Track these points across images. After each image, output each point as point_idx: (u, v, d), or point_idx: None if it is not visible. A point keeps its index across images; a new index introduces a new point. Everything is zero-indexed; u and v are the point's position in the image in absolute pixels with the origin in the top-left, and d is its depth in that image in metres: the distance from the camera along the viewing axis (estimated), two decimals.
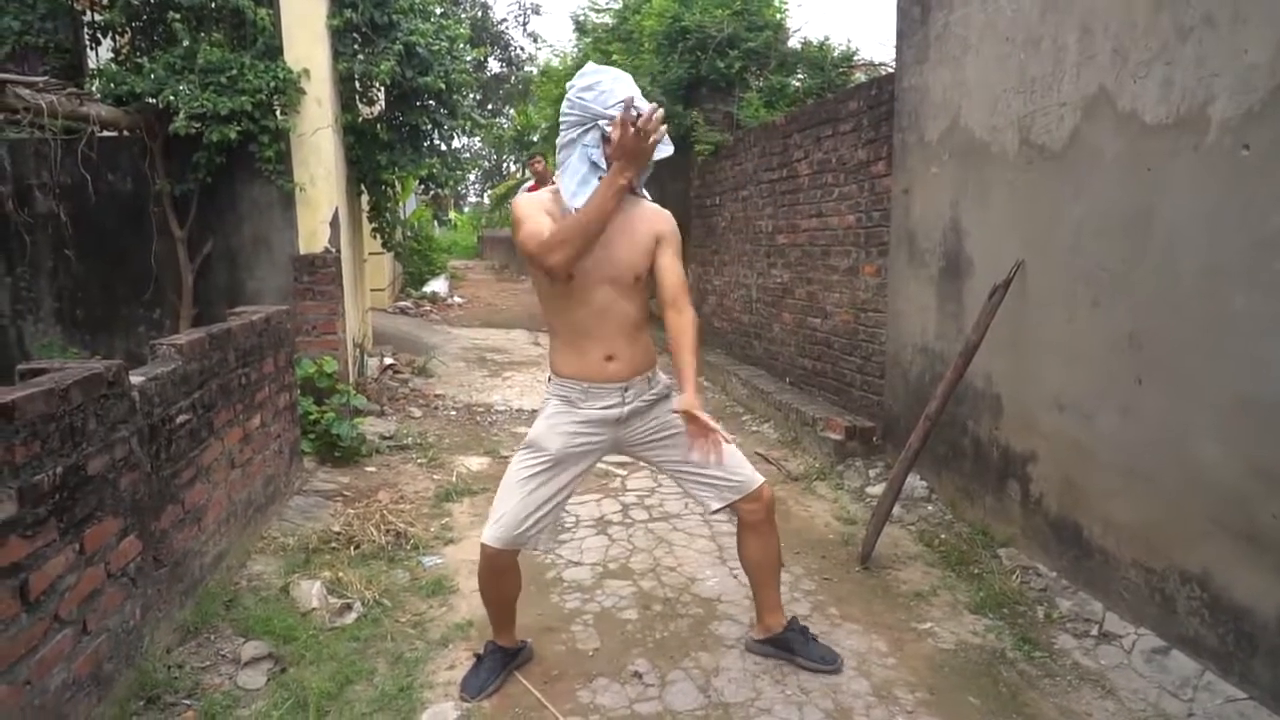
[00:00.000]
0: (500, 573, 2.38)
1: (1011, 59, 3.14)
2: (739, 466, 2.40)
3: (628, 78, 2.22)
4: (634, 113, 2.08)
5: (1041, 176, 2.99)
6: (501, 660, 2.49)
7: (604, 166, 2.18)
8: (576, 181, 2.19)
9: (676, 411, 2.25)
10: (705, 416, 2.14)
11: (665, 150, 2.20)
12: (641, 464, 4.51)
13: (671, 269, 2.32)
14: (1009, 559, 3.14)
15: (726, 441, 2.22)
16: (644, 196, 2.39)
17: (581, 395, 2.31)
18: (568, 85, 2.27)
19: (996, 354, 3.22)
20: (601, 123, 2.16)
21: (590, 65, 2.31)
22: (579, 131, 2.20)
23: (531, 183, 6.38)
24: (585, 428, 2.32)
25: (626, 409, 2.33)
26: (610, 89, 2.16)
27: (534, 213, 2.23)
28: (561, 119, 2.26)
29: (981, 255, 3.40)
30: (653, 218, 2.35)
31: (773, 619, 2.59)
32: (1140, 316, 2.55)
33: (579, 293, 2.25)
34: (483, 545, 2.33)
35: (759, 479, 2.42)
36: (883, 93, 4.34)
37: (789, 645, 2.57)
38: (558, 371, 2.36)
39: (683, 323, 2.29)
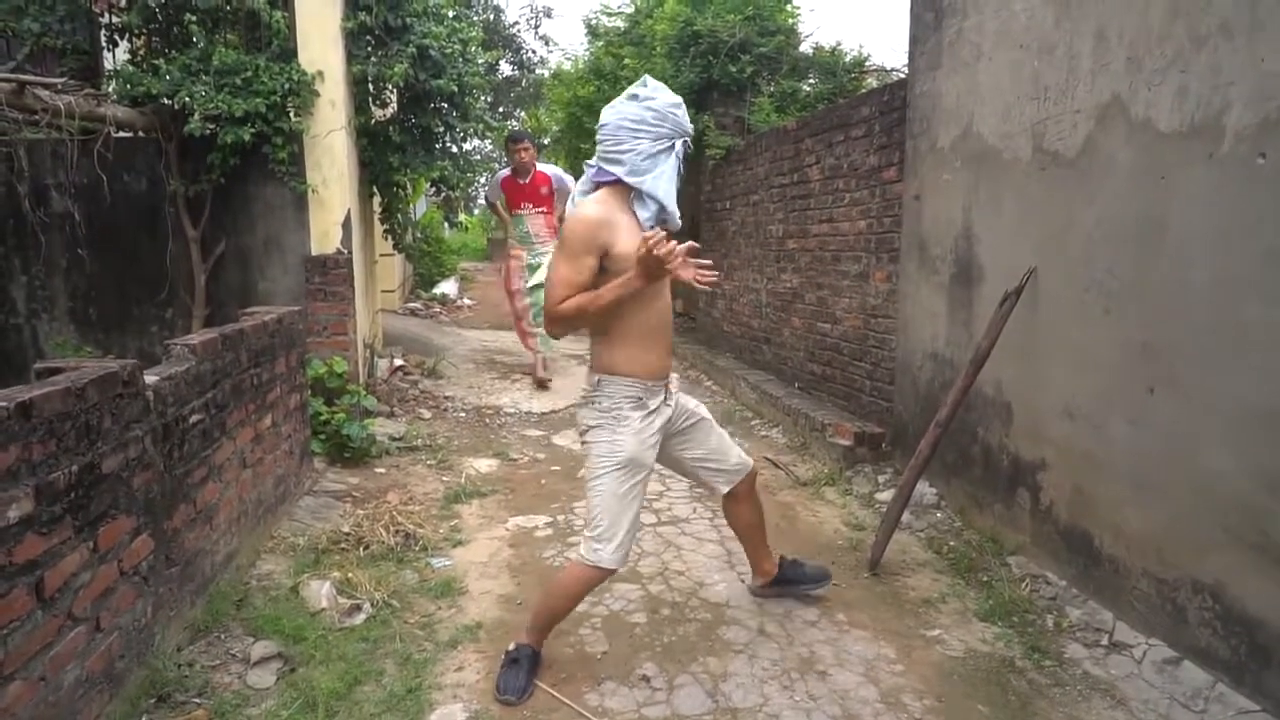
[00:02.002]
0: (584, 597, 2.52)
1: (1025, 66, 3.14)
2: (738, 453, 2.76)
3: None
4: (657, 232, 2.18)
5: (1054, 184, 2.98)
6: (535, 662, 2.52)
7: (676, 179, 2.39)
8: (674, 193, 2.36)
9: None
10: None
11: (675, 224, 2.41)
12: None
13: None
14: (1018, 567, 3.13)
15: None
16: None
17: (647, 393, 2.41)
18: (647, 94, 2.35)
19: (1007, 361, 3.21)
20: (678, 140, 2.36)
21: (652, 79, 2.43)
22: (669, 143, 2.35)
23: (507, 172, 6.35)
24: (657, 434, 2.45)
25: (671, 400, 2.52)
26: (685, 113, 2.40)
27: (578, 254, 2.26)
28: (644, 127, 2.31)
29: (993, 262, 3.39)
30: None
31: (769, 565, 2.99)
32: (1152, 325, 2.54)
33: (651, 296, 2.35)
34: (597, 568, 2.38)
35: (749, 462, 2.79)
36: (895, 98, 4.33)
37: (788, 579, 2.99)
38: (627, 372, 2.37)
39: None
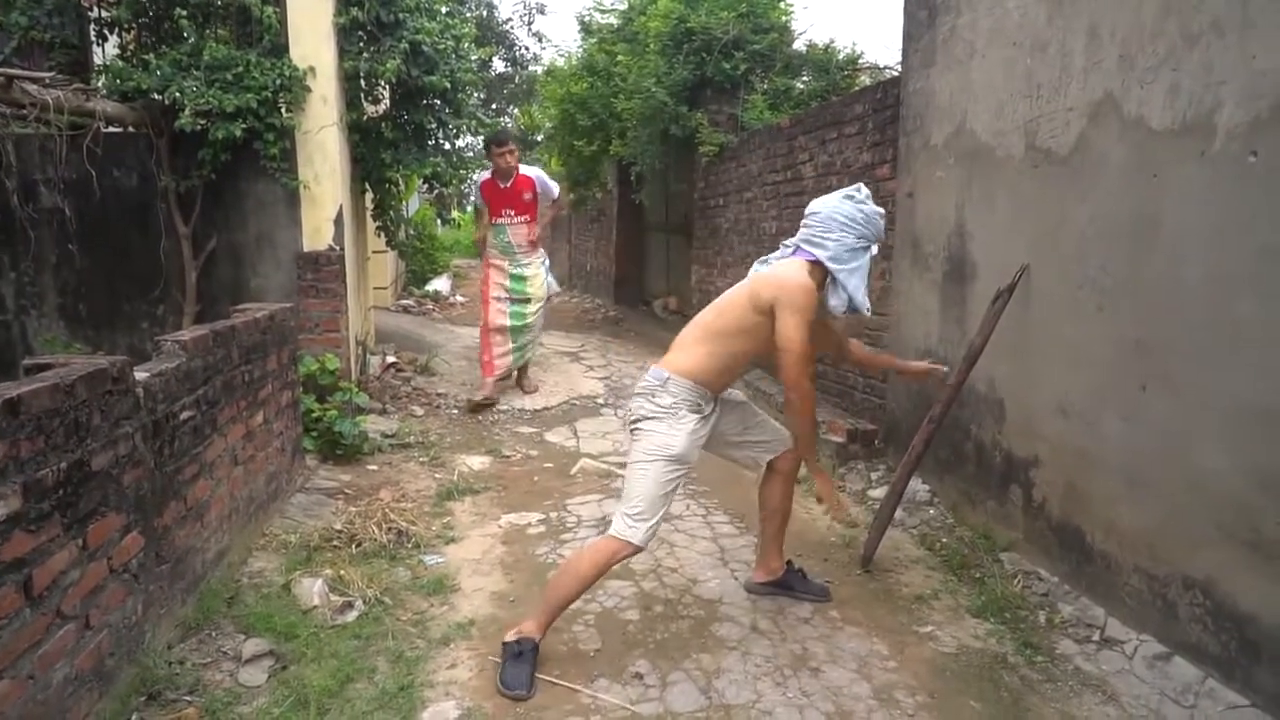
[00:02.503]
0: (613, 565, 2.62)
1: (1018, 63, 3.14)
2: (776, 425, 2.94)
3: None
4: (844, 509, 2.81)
5: (1047, 181, 2.99)
6: (535, 656, 2.52)
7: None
8: (864, 289, 2.65)
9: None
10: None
11: None
12: None
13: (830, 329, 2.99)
14: (1011, 563, 3.14)
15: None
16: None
17: (705, 400, 2.68)
18: (861, 199, 2.67)
19: (1000, 358, 3.22)
20: (875, 246, 2.69)
21: (864, 189, 2.71)
22: (868, 244, 2.66)
23: (487, 175, 5.87)
24: (706, 435, 2.70)
25: (711, 407, 2.75)
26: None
27: (809, 316, 2.56)
28: (853, 225, 2.63)
29: (986, 259, 3.40)
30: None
31: (776, 562, 3.04)
32: (1145, 323, 2.55)
33: (767, 352, 2.65)
34: (629, 544, 2.53)
35: (789, 435, 2.92)
36: (888, 96, 4.34)
37: (789, 584, 3.03)
38: (700, 381, 2.64)
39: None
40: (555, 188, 6.18)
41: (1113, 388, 2.67)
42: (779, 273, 2.63)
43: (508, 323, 5.88)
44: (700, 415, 2.65)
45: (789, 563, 3.07)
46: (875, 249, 2.70)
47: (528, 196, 5.86)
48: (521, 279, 5.95)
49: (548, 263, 6.22)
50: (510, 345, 5.95)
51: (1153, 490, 2.53)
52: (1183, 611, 2.40)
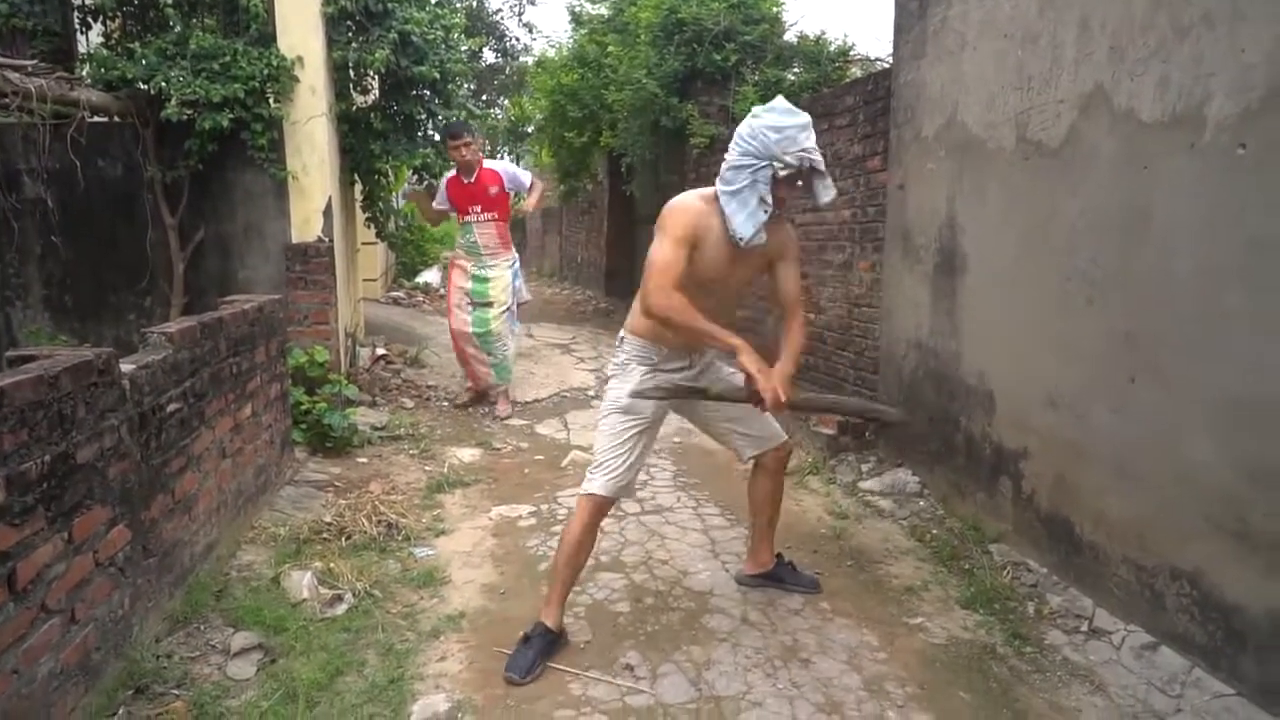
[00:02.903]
0: (593, 528, 2.61)
1: (1009, 55, 3.14)
2: (774, 426, 2.83)
3: (811, 130, 2.40)
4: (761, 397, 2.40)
5: (1038, 173, 2.99)
6: (548, 644, 2.54)
7: (770, 203, 2.41)
8: (746, 214, 2.41)
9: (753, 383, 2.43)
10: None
11: (827, 195, 2.47)
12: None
13: (790, 283, 2.66)
14: (1000, 555, 3.15)
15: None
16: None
17: (661, 358, 2.65)
18: (754, 110, 2.44)
19: (990, 350, 3.23)
20: (776, 164, 2.36)
21: (782, 102, 2.45)
22: (757, 164, 2.39)
23: (453, 173, 5.44)
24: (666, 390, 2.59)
25: (694, 371, 2.68)
26: (793, 137, 2.36)
27: (681, 239, 2.43)
28: (739, 143, 2.43)
29: (977, 252, 3.40)
30: (780, 238, 2.60)
31: (766, 556, 3.03)
32: (1134, 315, 2.55)
33: (702, 294, 2.47)
34: (590, 496, 2.57)
35: (784, 434, 2.87)
36: (879, 88, 4.33)
37: (780, 577, 3.03)
38: (647, 336, 2.61)
39: (794, 325, 2.66)
40: (526, 177, 5.77)
41: (1102, 380, 2.68)
42: (673, 199, 2.55)
43: (470, 330, 5.48)
44: (650, 367, 2.63)
45: (779, 555, 3.07)
46: (774, 168, 2.37)
47: (493, 191, 5.42)
48: (484, 280, 5.50)
49: (518, 266, 5.75)
50: (486, 357, 5.52)
51: (1141, 482, 2.54)
52: (1170, 602, 2.42)
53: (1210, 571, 2.29)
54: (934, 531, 3.48)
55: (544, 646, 2.52)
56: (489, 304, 5.49)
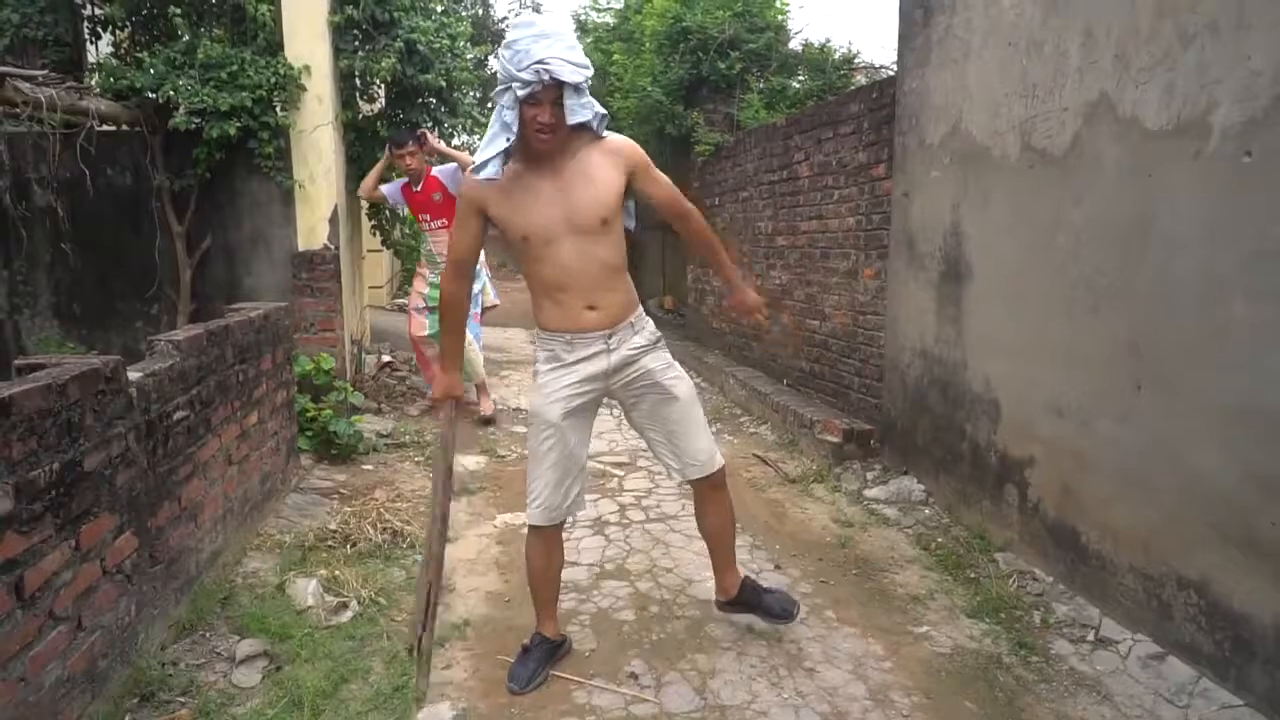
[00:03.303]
0: (549, 551, 2.49)
1: (1013, 63, 3.14)
2: (703, 450, 2.50)
3: (553, 35, 2.05)
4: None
5: (1042, 181, 2.99)
6: (548, 652, 2.52)
7: (514, 130, 2.11)
8: (487, 140, 2.18)
9: (733, 306, 2.38)
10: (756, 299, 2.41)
11: (576, 115, 2.14)
12: (638, 464, 4.51)
13: (659, 189, 2.40)
14: (1006, 563, 3.14)
15: (765, 318, 2.49)
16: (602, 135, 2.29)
17: (567, 347, 2.35)
18: (518, 22, 2.19)
19: (995, 358, 3.22)
20: (515, 85, 2.05)
21: (525, 17, 2.26)
22: (498, 90, 2.14)
23: (405, 181, 5.26)
24: (578, 387, 2.37)
25: (614, 357, 2.37)
26: (526, 49, 2.03)
27: (464, 219, 2.32)
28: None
29: (981, 259, 3.40)
30: (613, 154, 2.29)
31: (727, 581, 2.72)
32: (1140, 323, 2.55)
33: (542, 250, 2.26)
34: (531, 528, 2.45)
35: (718, 463, 2.53)
36: (884, 95, 4.33)
37: (748, 603, 2.72)
38: (542, 326, 2.41)
39: (694, 227, 2.47)
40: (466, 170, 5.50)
41: (1108, 388, 2.67)
42: None
43: (427, 333, 5.35)
44: (559, 364, 2.35)
45: (744, 580, 2.75)
46: (514, 91, 2.07)
47: (437, 198, 5.16)
48: (439, 287, 5.35)
49: (487, 272, 5.61)
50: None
51: (1147, 490, 2.53)
52: (1177, 611, 2.41)
53: (1217, 580, 2.28)
54: (939, 540, 3.47)
55: (545, 656, 2.51)
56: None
